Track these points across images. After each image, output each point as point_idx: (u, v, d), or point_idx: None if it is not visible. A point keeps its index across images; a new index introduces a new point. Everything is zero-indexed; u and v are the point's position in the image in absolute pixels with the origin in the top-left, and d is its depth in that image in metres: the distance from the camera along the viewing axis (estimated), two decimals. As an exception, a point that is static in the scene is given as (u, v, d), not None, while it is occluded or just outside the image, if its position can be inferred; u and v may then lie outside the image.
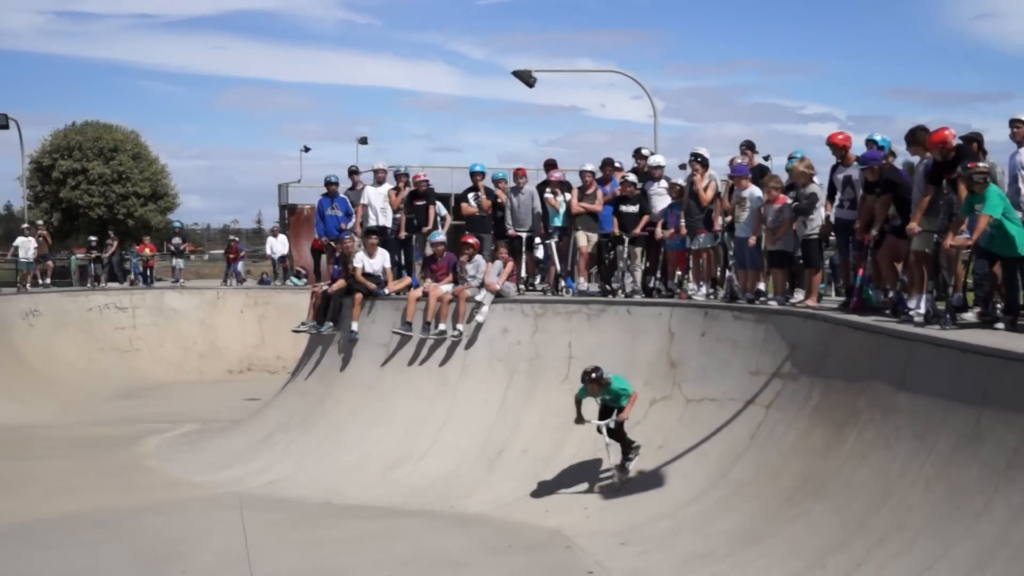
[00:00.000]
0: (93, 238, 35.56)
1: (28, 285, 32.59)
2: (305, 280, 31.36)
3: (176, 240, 37.74)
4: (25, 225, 36.25)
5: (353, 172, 21.72)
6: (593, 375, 13.27)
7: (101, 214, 41.75)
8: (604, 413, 13.64)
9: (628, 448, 13.61)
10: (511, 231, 18.58)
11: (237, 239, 43.45)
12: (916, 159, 12.83)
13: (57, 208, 42.86)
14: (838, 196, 14.30)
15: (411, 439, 16.16)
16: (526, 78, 27.29)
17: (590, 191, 18.15)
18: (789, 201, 14.56)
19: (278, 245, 36.22)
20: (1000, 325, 10.96)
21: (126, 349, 31.59)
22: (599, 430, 13.53)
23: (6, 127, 37.11)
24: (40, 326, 29.95)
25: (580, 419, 13.71)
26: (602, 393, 13.51)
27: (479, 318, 16.97)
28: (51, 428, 22.35)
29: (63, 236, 42.71)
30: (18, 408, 24.19)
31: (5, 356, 27.30)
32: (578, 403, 13.66)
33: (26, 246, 33.21)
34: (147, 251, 36.23)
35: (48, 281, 34.04)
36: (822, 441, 11.42)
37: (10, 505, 15.10)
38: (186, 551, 12.43)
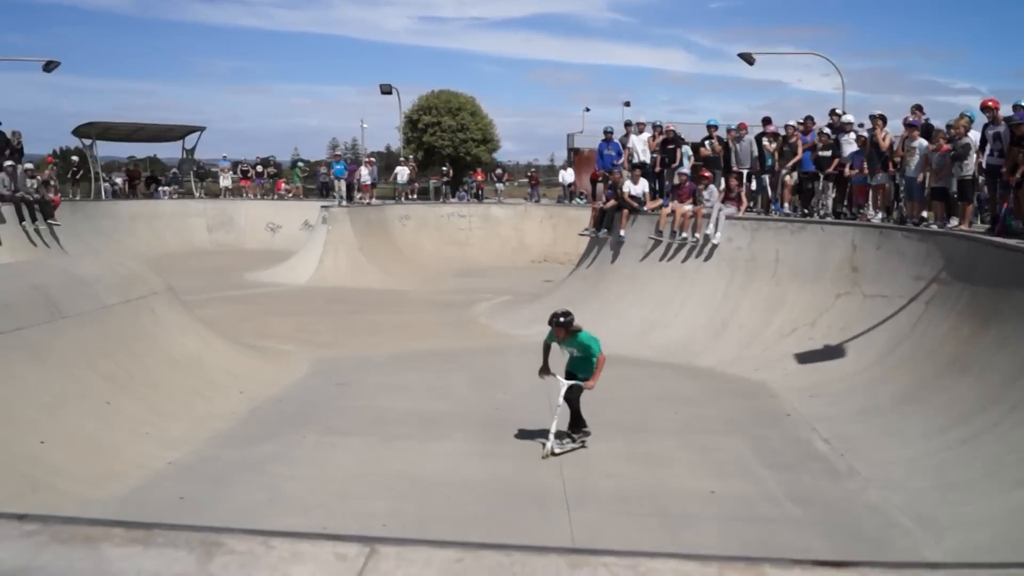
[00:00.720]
0: (444, 168, 37.07)
1: (402, 199, 34.51)
2: (586, 200, 31.52)
3: (498, 171, 38.84)
4: (401, 159, 38.26)
5: (626, 124, 21.63)
6: (562, 319, 9.06)
7: (449, 153, 43.26)
8: (569, 377, 9.42)
9: (577, 428, 9.46)
10: (735, 168, 18.19)
11: (537, 171, 44.21)
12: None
13: (421, 148, 44.63)
14: (988, 147, 13.31)
15: (659, 313, 16.27)
16: (748, 58, 26.93)
17: (792, 140, 17.42)
18: (950, 148, 13.57)
19: (567, 176, 36.43)
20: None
21: (464, 243, 32.65)
22: (561, 393, 9.27)
23: (390, 93, 38.85)
24: (409, 227, 31.44)
25: (546, 369, 9.43)
26: (568, 343, 9.27)
27: (714, 240, 16.60)
28: (416, 293, 23.58)
29: (424, 167, 44.55)
30: (396, 280, 25.67)
31: (387, 246, 28.97)
32: (546, 349, 9.48)
33: (401, 173, 35.07)
34: (479, 178, 37.50)
35: (415, 196, 35.75)
36: (968, 332, 10.73)
37: (392, 341, 16.24)
38: (506, 379, 12.91)
